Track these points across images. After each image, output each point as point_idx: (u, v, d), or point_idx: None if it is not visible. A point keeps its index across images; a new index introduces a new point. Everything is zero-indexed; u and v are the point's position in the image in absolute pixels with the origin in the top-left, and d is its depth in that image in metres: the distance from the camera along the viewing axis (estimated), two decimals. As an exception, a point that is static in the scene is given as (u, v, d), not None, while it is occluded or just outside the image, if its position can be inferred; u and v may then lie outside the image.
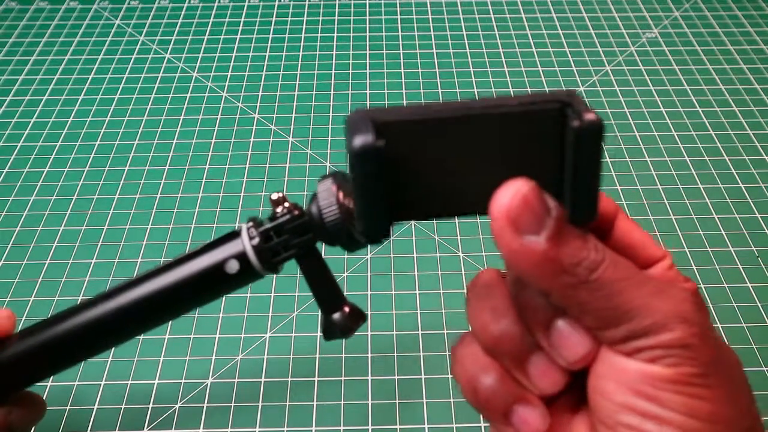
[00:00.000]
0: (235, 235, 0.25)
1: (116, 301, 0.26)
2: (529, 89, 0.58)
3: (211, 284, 0.26)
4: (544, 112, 0.19)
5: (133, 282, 0.26)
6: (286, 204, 0.25)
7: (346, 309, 0.26)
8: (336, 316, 0.26)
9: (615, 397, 0.19)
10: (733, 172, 0.51)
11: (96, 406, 0.38)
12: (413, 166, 0.19)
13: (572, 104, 0.18)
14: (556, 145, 0.19)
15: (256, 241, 0.25)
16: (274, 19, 0.67)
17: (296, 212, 0.25)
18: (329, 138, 0.54)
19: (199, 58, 0.62)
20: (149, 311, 0.26)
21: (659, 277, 0.20)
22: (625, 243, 0.21)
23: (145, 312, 0.26)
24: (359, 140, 0.18)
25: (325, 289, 0.26)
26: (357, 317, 0.26)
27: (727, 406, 0.18)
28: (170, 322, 0.41)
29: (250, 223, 0.25)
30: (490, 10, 0.68)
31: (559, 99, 0.19)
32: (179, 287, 0.25)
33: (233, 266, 0.25)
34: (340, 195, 0.24)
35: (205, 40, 0.65)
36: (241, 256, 0.25)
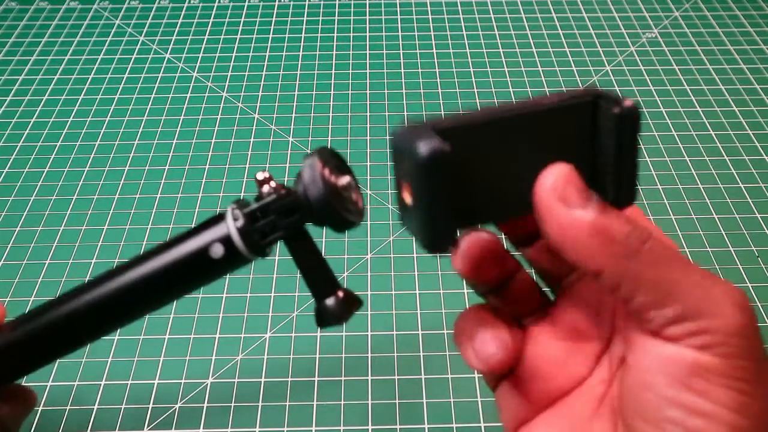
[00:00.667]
0: (219, 218, 0.24)
1: (98, 291, 0.25)
2: (529, 89, 0.58)
3: (196, 270, 0.24)
4: (581, 105, 0.20)
5: (116, 271, 0.25)
6: (272, 183, 0.24)
7: (340, 294, 0.25)
8: (329, 301, 0.24)
9: (662, 390, 0.18)
10: (733, 172, 0.51)
11: (96, 406, 0.38)
12: (469, 172, 0.20)
13: (604, 95, 0.19)
14: (588, 137, 0.20)
15: (241, 222, 0.24)
16: (274, 19, 0.67)
17: (283, 191, 0.23)
18: (329, 138, 0.54)
19: (199, 58, 0.62)
20: (134, 300, 0.25)
21: None
22: None
23: (130, 301, 0.25)
24: (426, 146, 0.17)
25: (316, 273, 0.25)
26: (351, 302, 0.25)
27: None
28: (170, 322, 0.41)
29: (234, 205, 0.24)
30: (490, 10, 0.68)
31: (591, 92, 0.20)
32: (162, 275, 0.24)
33: (218, 250, 0.24)
34: (326, 171, 0.23)
35: (205, 40, 0.65)
36: (226, 240, 0.24)
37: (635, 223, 0.19)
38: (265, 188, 0.24)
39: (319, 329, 0.41)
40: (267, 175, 0.24)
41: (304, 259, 0.25)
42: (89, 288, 0.25)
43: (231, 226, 0.24)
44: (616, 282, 0.19)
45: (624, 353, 0.20)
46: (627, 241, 0.18)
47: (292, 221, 0.24)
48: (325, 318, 0.25)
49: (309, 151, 0.24)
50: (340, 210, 0.23)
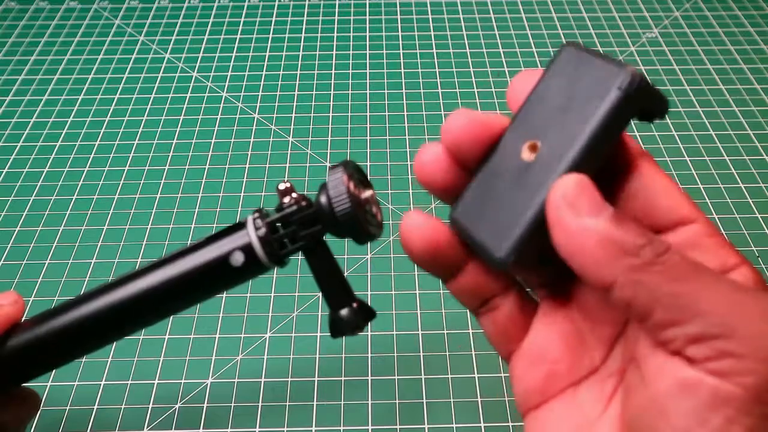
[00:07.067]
0: (240, 226, 0.25)
1: (116, 295, 0.25)
2: (529, 89, 0.58)
3: (216, 277, 0.25)
4: None
5: (136, 274, 0.25)
6: (294, 194, 0.24)
7: (355, 305, 0.25)
8: (344, 312, 0.25)
9: (674, 419, 0.16)
10: (733, 172, 0.51)
11: (96, 406, 0.38)
12: None
13: None
14: None
15: (262, 231, 0.24)
16: (274, 19, 0.67)
17: (304, 203, 0.24)
18: (329, 138, 0.54)
19: (199, 58, 0.62)
20: (153, 304, 0.25)
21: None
22: (641, 194, 0.20)
23: (149, 305, 0.25)
24: (629, 71, 0.19)
25: (333, 284, 0.25)
26: (366, 314, 0.25)
27: None
28: (170, 322, 0.41)
29: (256, 214, 0.24)
30: (490, 10, 0.68)
31: None
32: (183, 280, 0.24)
33: (238, 258, 0.24)
34: (351, 185, 0.23)
35: (205, 40, 0.65)
36: (247, 248, 0.24)
37: (651, 236, 0.17)
38: (287, 199, 0.24)
39: (319, 330, 0.41)
40: (288, 185, 0.24)
41: (321, 270, 0.25)
42: (106, 291, 0.25)
43: (252, 234, 0.24)
44: (629, 296, 0.17)
45: (641, 368, 0.19)
46: (640, 253, 0.17)
47: (312, 232, 0.24)
48: (339, 327, 0.25)
49: (330, 163, 0.24)
50: (364, 223, 0.23)
